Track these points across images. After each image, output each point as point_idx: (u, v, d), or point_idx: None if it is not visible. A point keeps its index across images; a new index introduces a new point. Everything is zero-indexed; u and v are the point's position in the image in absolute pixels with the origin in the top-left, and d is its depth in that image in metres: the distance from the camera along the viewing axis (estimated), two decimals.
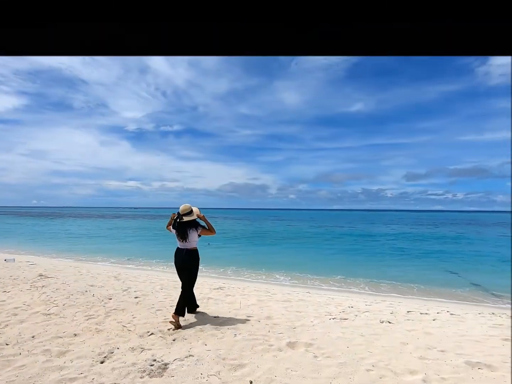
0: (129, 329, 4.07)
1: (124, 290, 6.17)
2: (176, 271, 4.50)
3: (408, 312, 6.32)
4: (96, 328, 4.06)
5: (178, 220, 4.20)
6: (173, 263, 4.47)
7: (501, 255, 17.98)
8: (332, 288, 9.85)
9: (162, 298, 5.66)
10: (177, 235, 4.28)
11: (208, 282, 8.59)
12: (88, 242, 22.31)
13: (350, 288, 9.99)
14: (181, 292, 4.35)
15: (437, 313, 6.42)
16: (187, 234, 4.19)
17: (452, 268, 14.44)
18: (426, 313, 6.24)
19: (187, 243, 4.24)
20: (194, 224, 4.28)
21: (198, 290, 6.89)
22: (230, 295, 6.57)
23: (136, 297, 5.53)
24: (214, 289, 7.39)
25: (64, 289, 5.93)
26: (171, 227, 4.41)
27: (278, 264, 13.86)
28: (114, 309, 4.81)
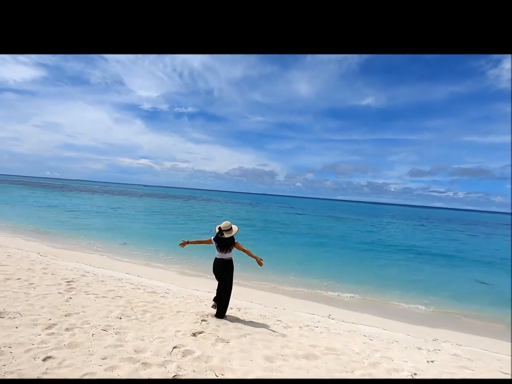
0: None
1: (46, 328, 3.55)
2: (214, 275, 5.05)
3: None
4: None
5: (220, 236, 4.77)
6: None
7: None
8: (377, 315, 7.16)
9: (97, 362, 2.99)
10: (217, 247, 4.82)
11: (204, 305, 6.04)
12: (87, 219, 19.98)
13: (397, 316, 7.34)
14: (218, 297, 5.03)
15: None
16: (227, 247, 4.79)
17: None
18: None
19: (225, 254, 4.80)
20: (232, 239, 4.82)
21: (182, 326, 4.31)
22: (228, 346, 3.94)
23: (47, 358, 2.89)
24: (201, 321, 4.79)
25: None
26: (212, 240, 4.86)
27: (295, 263, 11.23)
28: None
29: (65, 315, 4.05)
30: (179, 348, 3.50)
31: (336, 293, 8.62)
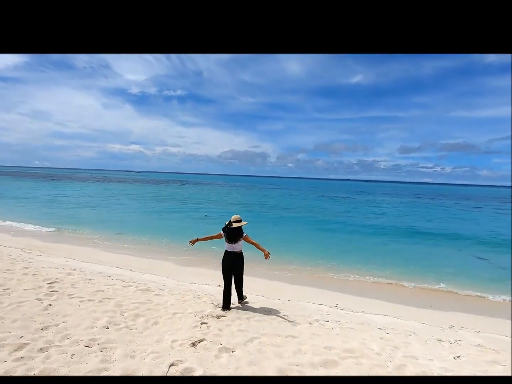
0: None
1: (16, 350, 2.91)
2: (222, 270, 4.94)
3: None
4: None
5: (228, 227, 4.77)
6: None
7: None
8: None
9: None
10: (225, 237, 4.79)
11: (203, 303, 5.51)
12: (78, 210, 19.16)
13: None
14: (224, 287, 4.89)
15: None
16: (235, 238, 4.74)
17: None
18: None
19: (234, 245, 4.76)
20: (240, 231, 4.80)
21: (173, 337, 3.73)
22: (234, 357, 3.38)
23: None
24: (200, 324, 4.23)
25: None
26: (222, 232, 4.85)
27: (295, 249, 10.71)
28: None
29: (42, 329, 3.43)
30: (177, 365, 2.93)
31: (341, 275, 8.26)
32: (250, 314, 4.78)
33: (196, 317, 4.36)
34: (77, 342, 3.21)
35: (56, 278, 5.51)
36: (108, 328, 3.65)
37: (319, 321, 4.80)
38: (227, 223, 4.83)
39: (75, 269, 6.54)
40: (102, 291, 5.14)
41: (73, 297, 4.62)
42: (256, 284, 6.98)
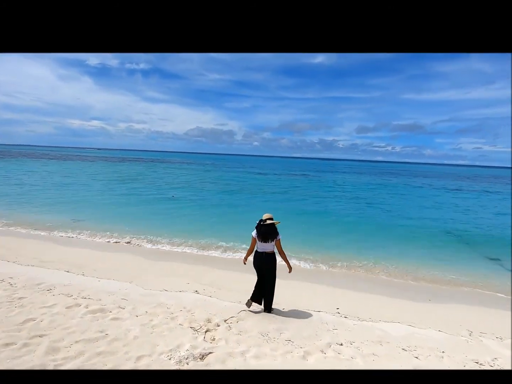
0: None
1: None
2: (255, 270, 4.56)
3: None
4: None
5: (261, 223, 4.39)
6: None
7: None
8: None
9: None
10: (258, 237, 4.37)
11: (179, 327, 4.14)
12: (28, 193, 16.38)
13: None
14: (256, 285, 4.55)
15: None
16: (270, 235, 4.34)
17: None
18: None
19: (266, 245, 4.36)
20: (274, 230, 4.40)
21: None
22: None
23: None
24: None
25: None
26: (253, 233, 4.41)
27: None
28: None
29: None
30: None
31: (327, 263, 7.30)
32: (243, 343, 3.47)
33: (171, 361, 2.96)
34: None
35: None
36: None
37: (331, 346, 3.63)
38: (258, 221, 4.46)
39: (2, 281, 4.79)
40: (34, 320, 3.54)
41: None
42: (243, 285, 5.66)
